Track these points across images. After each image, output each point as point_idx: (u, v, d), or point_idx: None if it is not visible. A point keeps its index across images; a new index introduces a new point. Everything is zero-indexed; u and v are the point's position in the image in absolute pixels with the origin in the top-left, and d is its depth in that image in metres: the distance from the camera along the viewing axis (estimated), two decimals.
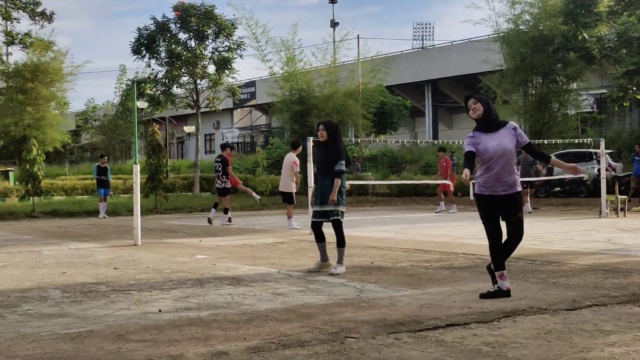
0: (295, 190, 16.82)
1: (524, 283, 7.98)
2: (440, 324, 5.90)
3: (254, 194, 20.05)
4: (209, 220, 17.99)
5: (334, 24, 52.15)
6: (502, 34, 30.02)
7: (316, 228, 9.28)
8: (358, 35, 50.38)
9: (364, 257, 10.77)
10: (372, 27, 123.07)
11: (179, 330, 5.80)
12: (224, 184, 18.31)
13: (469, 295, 7.24)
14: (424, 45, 55.39)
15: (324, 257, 9.28)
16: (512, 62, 29.29)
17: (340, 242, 9.13)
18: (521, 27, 29.51)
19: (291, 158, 16.68)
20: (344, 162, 9.10)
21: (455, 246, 11.96)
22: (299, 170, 16.86)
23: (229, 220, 18.25)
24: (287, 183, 16.75)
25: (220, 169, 18.28)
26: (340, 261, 9.11)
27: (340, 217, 9.14)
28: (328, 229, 9.20)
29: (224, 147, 19.30)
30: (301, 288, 7.90)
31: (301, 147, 16.92)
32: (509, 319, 6.11)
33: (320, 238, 9.28)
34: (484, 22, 55.93)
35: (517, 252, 10.67)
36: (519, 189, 7.12)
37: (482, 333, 5.60)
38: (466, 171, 6.92)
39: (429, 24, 57.68)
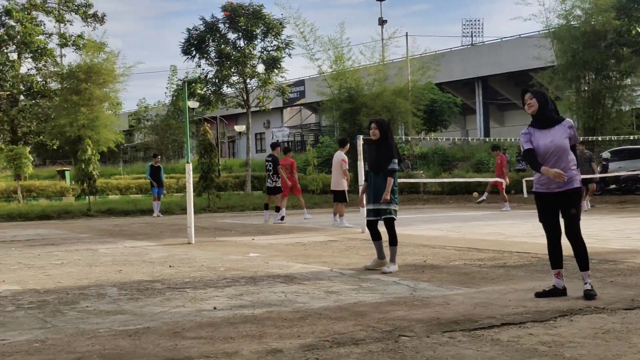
0: (346, 188, 16.83)
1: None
2: (495, 322, 5.85)
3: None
4: (282, 219, 18.23)
5: (381, 22, 52.03)
6: (553, 29, 29.57)
7: (371, 227, 9.30)
8: (407, 32, 50.26)
9: (417, 255, 10.73)
10: (420, 25, 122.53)
11: (233, 328, 5.85)
12: (274, 183, 18.40)
13: (524, 294, 7.17)
14: (474, 42, 54.91)
15: (380, 255, 9.27)
16: (563, 58, 28.84)
17: (393, 241, 9.12)
18: (572, 23, 29.02)
19: (340, 156, 16.71)
20: (396, 160, 9.08)
21: (508, 244, 11.84)
22: (347, 167, 16.87)
23: (282, 218, 18.33)
24: (339, 181, 16.77)
25: (271, 168, 18.38)
26: (392, 260, 9.09)
27: (393, 216, 9.12)
28: (382, 227, 9.21)
29: (274, 146, 19.40)
30: (354, 286, 7.90)
31: (348, 144, 16.95)
32: (566, 318, 6.03)
33: (376, 236, 9.28)
34: (534, 18, 55.24)
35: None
36: (576, 185, 6.94)
37: (538, 332, 5.54)
38: (549, 169, 6.78)
39: (478, 20, 57.32)
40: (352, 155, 17.35)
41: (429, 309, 6.48)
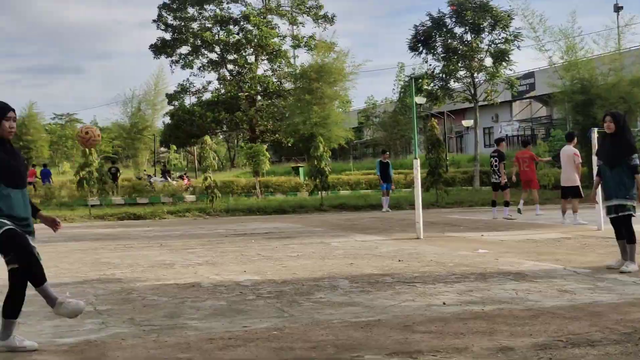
0: (579, 183, 16.11)
1: None
2: None
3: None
4: (519, 211, 18.11)
5: (617, 8, 49.19)
6: None
7: (615, 224, 8.87)
8: None
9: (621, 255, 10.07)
10: None
11: (463, 324, 5.85)
12: (500, 178, 18.09)
13: None
14: None
15: (625, 254, 8.80)
16: None
17: (631, 239, 8.65)
18: None
19: (570, 150, 16.00)
20: (636, 155, 8.60)
21: None
22: (581, 161, 16.18)
23: (519, 211, 18.03)
24: (571, 176, 16.06)
25: (497, 163, 18.08)
26: (631, 258, 8.62)
27: (632, 212, 8.65)
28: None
29: (499, 141, 19.17)
30: (589, 285, 7.59)
31: (576, 138, 16.29)
32: None
33: (620, 235, 8.83)
34: None
35: None
36: None
37: None
38: None
39: None
40: (587, 149, 16.62)
41: None
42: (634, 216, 8.69)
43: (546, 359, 4.77)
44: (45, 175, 36.40)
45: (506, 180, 18.19)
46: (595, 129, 14.35)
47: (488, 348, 5.06)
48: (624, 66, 29.63)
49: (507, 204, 18.20)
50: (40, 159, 44.31)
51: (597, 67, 29.64)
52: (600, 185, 9.21)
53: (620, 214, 8.68)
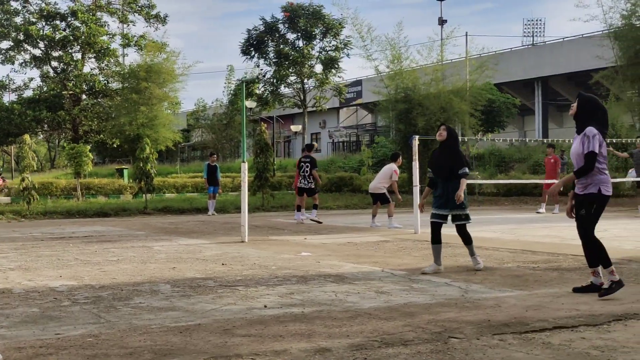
0: (384, 191, 16.88)
1: (636, 286, 7.70)
2: (547, 326, 5.77)
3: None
4: (313, 220, 18.35)
5: (441, 22, 51.68)
6: (614, 29, 28.97)
7: (435, 229, 9.15)
8: (466, 32, 49.79)
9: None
10: (482, 24, 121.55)
11: (283, 326, 5.89)
12: (309, 184, 18.57)
13: (577, 297, 7.06)
14: (535, 42, 54.14)
15: (438, 261, 9.12)
16: (625, 57, 28.23)
17: (467, 241, 9.20)
18: (635, 23, 28.38)
19: (391, 167, 16.69)
20: (466, 168, 9.03)
21: (564, 247, 11.66)
22: (397, 179, 16.93)
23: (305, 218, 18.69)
24: (378, 185, 16.88)
25: (308, 169, 18.51)
26: (474, 253, 9.26)
27: (467, 221, 9.12)
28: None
29: (310, 147, 19.58)
30: (405, 287, 7.87)
31: (400, 158, 17.09)
32: (620, 322, 5.91)
33: (437, 239, 9.14)
34: (594, 19, 53.94)
35: (630, 254, 10.34)
36: (592, 191, 7.09)
37: (590, 336, 5.44)
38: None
39: (540, 20, 56.45)
40: (409, 155, 17.32)
41: (479, 311, 6.43)
42: (469, 223, 9.12)
43: (361, 359, 4.88)
44: None
45: (314, 186, 18.78)
46: (417, 137, 14.98)
47: (306, 350, 5.11)
48: (445, 77, 31.09)
49: (315, 207, 18.76)
50: None
51: (420, 77, 30.90)
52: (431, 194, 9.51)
53: (457, 224, 9.07)
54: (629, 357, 4.86)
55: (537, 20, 55.93)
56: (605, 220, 17.69)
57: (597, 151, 7.01)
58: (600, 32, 32.72)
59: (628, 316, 6.12)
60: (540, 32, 55.25)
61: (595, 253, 7.19)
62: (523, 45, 53.92)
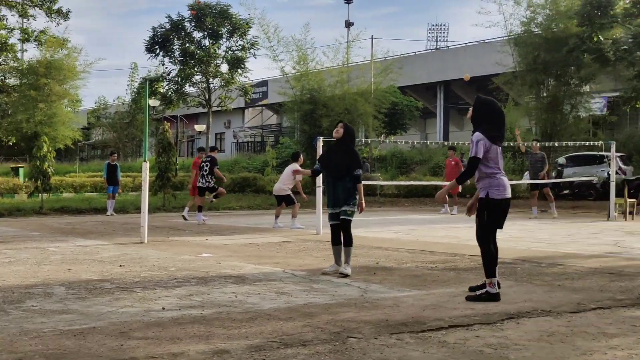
0: (288, 193, 16.97)
1: (529, 285, 7.95)
2: (443, 325, 5.89)
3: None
4: (184, 218, 19.08)
5: (348, 24, 52.14)
6: (515, 36, 29.89)
7: (334, 231, 9.15)
8: (372, 35, 50.44)
9: (369, 257, 10.75)
10: (388, 28, 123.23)
11: (181, 328, 5.80)
12: (207, 183, 18.76)
13: None
14: (438, 47, 55.31)
15: (338, 260, 9.14)
16: (523, 63, 29.17)
17: (349, 242, 9.06)
18: (534, 30, 29.36)
19: (293, 167, 16.74)
20: (360, 171, 9.05)
21: (461, 248, 11.94)
22: (301, 178, 17.03)
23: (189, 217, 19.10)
24: (282, 187, 16.97)
25: (207, 168, 18.57)
26: (348, 261, 9.03)
27: (351, 217, 9.07)
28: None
29: (212, 149, 20.23)
30: (305, 288, 7.89)
31: (301, 157, 17.21)
32: (512, 320, 6.09)
33: (337, 241, 9.16)
34: (496, 25, 55.65)
35: (524, 254, 10.67)
36: (481, 195, 7.12)
37: (484, 335, 5.58)
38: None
39: (444, 25, 57.73)
40: (313, 157, 17.40)
41: (378, 311, 6.50)
42: (351, 220, 9.11)
43: None
44: None
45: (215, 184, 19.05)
46: (321, 138, 15.07)
47: (204, 352, 5.05)
48: (350, 79, 31.40)
49: (200, 209, 19.04)
50: None
51: (326, 78, 31.10)
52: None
53: (342, 218, 9.04)
54: (520, 354, 5.00)
55: (441, 25, 57.22)
56: None
57: (479, 156, 6.98)
58: (501, 39, 33.72)
59: (520, 315, 6.31)
60: (443, 37, 56.51)
61: (484, 260, 7.08)
62: (427, 50, 55.01)
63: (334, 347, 5.18)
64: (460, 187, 22.04)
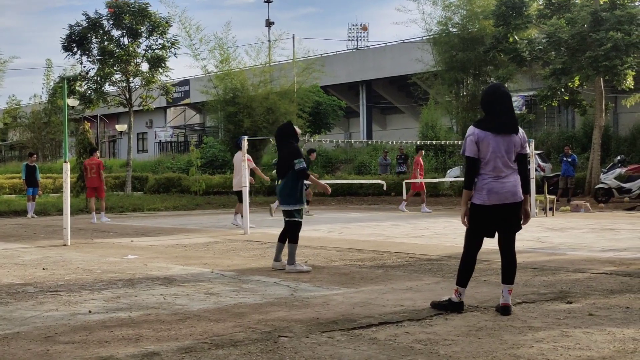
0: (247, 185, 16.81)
1: (455, 281, 8.07)
2: (373, 322, 5.93)
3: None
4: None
5: (269, 24, 52.07)
6: (433, 35, 30.37)
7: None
8: (293, 35, 50.37)
9: (298, 256, 10.70)
10: (308, 28, 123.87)
11: (109, 331, 5.70)
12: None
13: (402, 293, 7.31)
14: (359, 46, 55.73)
15: (278, 255, 9.35)
16: (442, 62, 29.67)
17: (292, 239, 9.19)
18: (451, 30, 29.89)
19: (240, 157, 16.52)
20: (301, 159, 9.07)
21: (388, 245, 12.05)
22: (254, 165, 16.95)
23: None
24: (239, 182, 16.61)
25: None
26: (292, 257, 9.16)
27: (298, 218, 9.17)
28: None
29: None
30: (234, 288, 7.84)
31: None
32: (441, 316, 6.18)
33: (282, 238, 9.31)
34: (415, 24, 56.21)
35: (449, 251, 10.85)
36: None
37: (414, 331, 5.65)
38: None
39: (363, 24, 58.12)
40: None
41: (309, 310, 6.51)
42: (300, 221, 9.17)
43: None
44: None
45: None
46: (246, 137, 15.01)
47: (134, 355, 4.97)
48: (273, 78, 31.35)
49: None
50: None
51: (249, 78, 30.99)
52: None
53: (286, 220, 9.13)
54: (449, 349, 5.08)
55: (360, 24, 57.62)
56: (427, 219, 18.54)
57: (466, 154, 6.33)
58: (421, 38, 34.22)
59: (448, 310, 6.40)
60: (364, 37, 56.97)
61: (460, 266, 6.56)
62: (348, 49, 55.37)
63: (265, 347, 5.16)
64: (423, 183, 22.45)
